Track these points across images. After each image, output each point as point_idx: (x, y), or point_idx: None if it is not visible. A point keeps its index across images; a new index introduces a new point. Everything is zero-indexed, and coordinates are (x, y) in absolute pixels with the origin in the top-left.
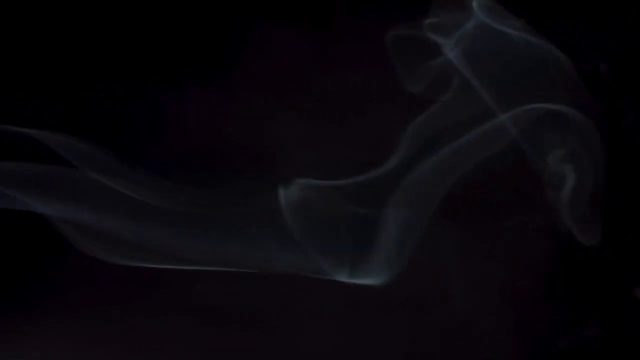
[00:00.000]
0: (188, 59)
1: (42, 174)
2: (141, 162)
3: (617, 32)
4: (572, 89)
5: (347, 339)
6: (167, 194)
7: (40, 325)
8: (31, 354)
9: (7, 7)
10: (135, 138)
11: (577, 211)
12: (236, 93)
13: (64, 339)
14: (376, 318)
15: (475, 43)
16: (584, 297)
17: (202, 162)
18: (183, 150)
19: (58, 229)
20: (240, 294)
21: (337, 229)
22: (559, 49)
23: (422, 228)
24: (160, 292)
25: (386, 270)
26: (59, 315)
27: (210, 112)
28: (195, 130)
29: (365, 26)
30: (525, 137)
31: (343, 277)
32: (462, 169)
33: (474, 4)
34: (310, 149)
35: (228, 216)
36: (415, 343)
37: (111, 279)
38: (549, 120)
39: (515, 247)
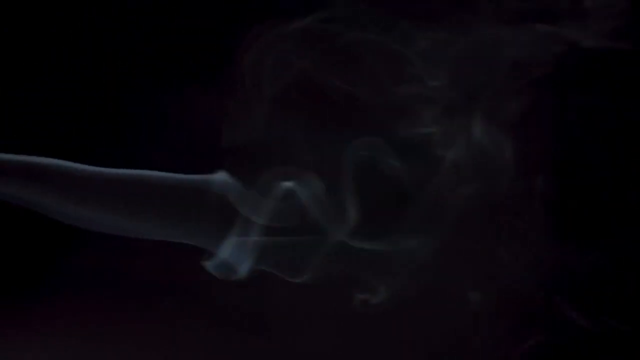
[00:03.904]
0: (188, 59)
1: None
2: (141, 162)
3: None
4: None
5: (350, 342)
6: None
7: (45, 325)
8: (38, 354)
9: (10, 6)
10: (135, 138)
11: None
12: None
13: (69, 340)
14: (378, 322)
15: None
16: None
17: (202, 162)
18: (183, 151)
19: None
20: (245, 297)
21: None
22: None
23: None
24: (167, 294)
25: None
26: (65, 316)
27: (211, 112)
28: (195, 130)
29: (366, 26)
30: None
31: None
32: None
33: None
34: (311, 149)
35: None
36: (416, 347)
37: (118, 278)
38: None
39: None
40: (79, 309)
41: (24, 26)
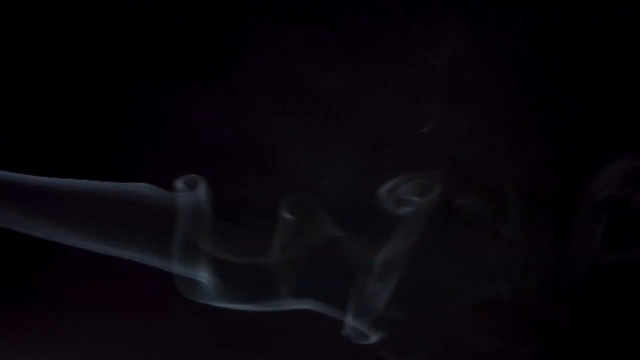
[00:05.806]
0: (189, 59)
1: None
2: (142, 163)
3: None
4: None
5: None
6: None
7: (44, 324)
8: (38, 354)
9: (10, 6)
10: (136, 140)
11: None
12: (237, 94)
13: (69, 340)
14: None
15: None
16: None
17: (203, 163)
18: (184, 151)
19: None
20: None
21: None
22: None
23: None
24: (167, 298)
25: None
26: (63, 314)
27: (212, 113)
28: (196, 131)
29: (365, 26)
30: None
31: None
32: None
33: None
34: (311, 150)
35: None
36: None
37: (117, 285)
38: None
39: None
40: (78, 311)
41: (24, 26)
